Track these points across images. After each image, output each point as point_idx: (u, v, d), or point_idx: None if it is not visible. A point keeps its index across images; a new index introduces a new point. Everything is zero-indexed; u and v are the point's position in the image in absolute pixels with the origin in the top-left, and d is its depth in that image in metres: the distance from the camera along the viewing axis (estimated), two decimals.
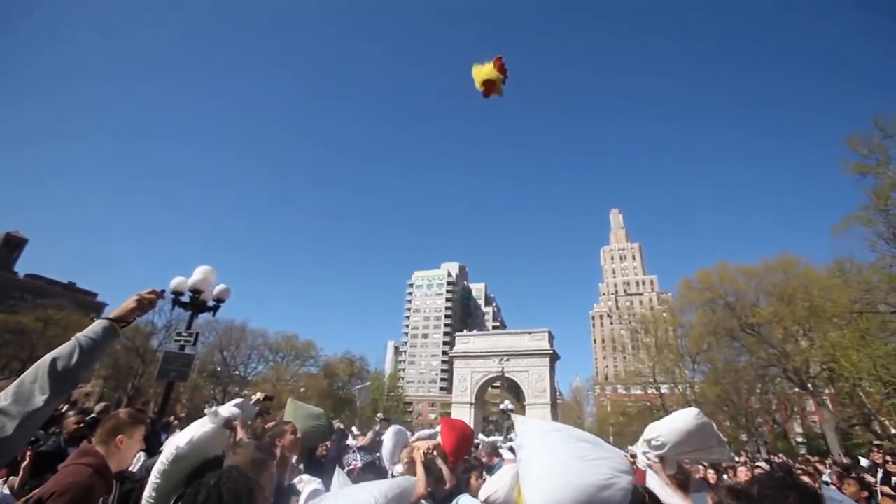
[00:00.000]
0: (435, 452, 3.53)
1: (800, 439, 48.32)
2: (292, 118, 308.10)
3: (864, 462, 11.60)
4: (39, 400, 1.53)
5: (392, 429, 6.10)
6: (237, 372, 57.15)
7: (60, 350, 1.68)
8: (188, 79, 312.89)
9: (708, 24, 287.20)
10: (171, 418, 8.11)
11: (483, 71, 3.47)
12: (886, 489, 7.00)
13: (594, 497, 1.94)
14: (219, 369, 54.69)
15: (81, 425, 4.72)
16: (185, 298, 8.48)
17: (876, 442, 20.88)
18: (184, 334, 8.65)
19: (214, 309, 8.95)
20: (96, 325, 1.85)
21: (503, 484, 2.74)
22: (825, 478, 8.83)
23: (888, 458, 9.02)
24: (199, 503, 1.40)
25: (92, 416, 5.98)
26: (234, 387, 53.35)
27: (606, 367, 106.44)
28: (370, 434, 7.76)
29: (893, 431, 24.05)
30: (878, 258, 22.61)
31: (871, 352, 21.25)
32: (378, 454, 6.55)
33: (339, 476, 3.07)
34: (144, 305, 2.02)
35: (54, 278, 71.27)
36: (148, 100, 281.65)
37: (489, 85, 3.47)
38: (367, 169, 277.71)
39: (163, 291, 2.15)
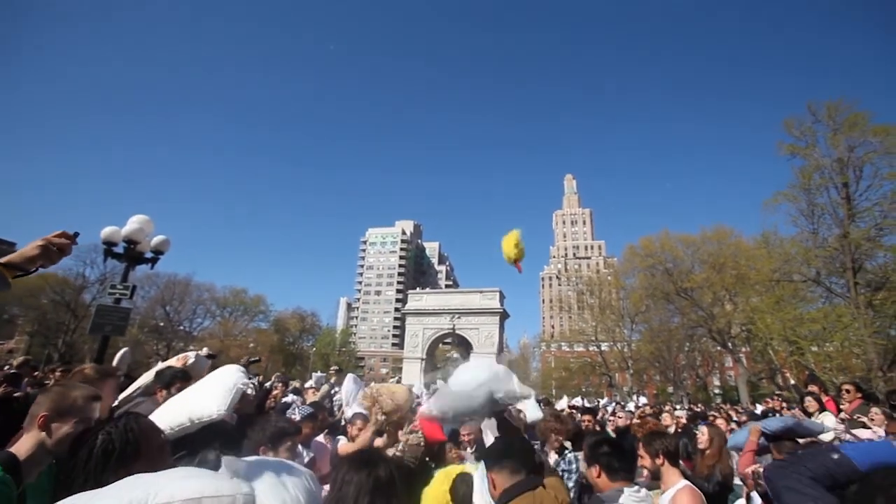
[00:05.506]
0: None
1: (717, 391, 54.49)
2: (244, 58, 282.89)
3: (760, 408, 13.22)
4: None
5: (350, 376, 6.73)
6: (182, 327, 55.07)
7: None
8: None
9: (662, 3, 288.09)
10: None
11: (510, 248, 3.57)
12: None
13: None
14: (161, 324, 52.44)
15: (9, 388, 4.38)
16: (119, 249, 7.84)
17: (776, 392, 24.01)
18: (118, 287, 8.03)
19: (153, 261, 8.34)
20: None
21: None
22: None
23: (784, 404, 10.76)
24: (96, 447, 1.41)
25: (12, 371, 5.55)
26: (178, 342, 51.56)
27: (553, 325, 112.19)
28: (325, 388, 7.63)
29: (792, 382, 27.50)
30: (797, 232, 24.74)
31: (782, 315, 23.71)
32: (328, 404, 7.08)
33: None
34: (52, 253, 1.65)
35: None
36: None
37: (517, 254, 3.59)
38: (324, 120, 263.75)
39: (76, 235, 1.76)
